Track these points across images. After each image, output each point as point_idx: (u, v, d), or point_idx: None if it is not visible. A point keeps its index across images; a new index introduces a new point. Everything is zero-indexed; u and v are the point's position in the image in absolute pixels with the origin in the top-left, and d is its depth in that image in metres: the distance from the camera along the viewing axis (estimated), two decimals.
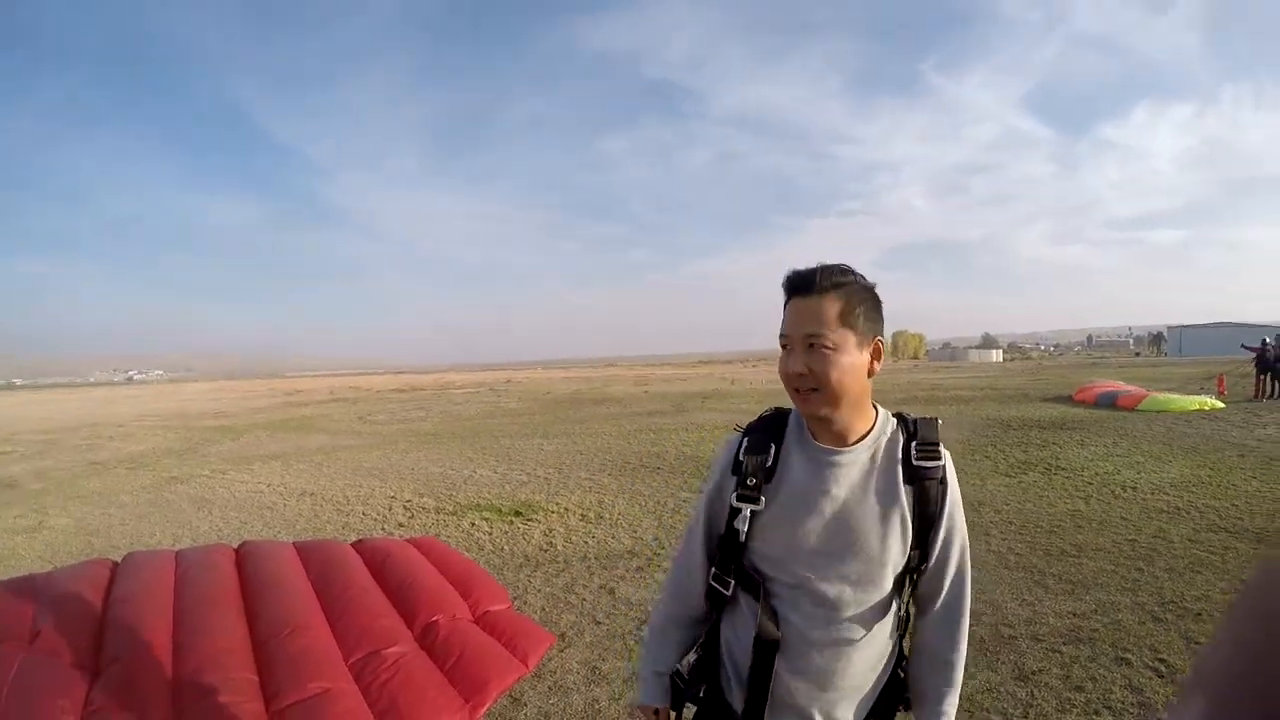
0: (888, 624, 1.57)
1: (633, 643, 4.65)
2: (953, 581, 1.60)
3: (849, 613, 1.51)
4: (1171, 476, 9.45)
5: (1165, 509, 7.70)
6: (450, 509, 9.18)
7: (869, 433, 1.55)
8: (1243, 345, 24.02)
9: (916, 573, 1.58)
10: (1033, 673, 4.10)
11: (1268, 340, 21.02)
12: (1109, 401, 19.25)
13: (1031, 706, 3.76)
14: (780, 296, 1.58)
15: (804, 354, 1.46)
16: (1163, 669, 4.09)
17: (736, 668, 1.60)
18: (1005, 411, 19.04)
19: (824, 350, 1.45)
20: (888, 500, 1.51)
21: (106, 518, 9.62)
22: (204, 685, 3.05)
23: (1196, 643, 4.39)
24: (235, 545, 4.76)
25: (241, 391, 62.78)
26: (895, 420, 1.61)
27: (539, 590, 5.77)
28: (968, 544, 1.62)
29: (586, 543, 7.22)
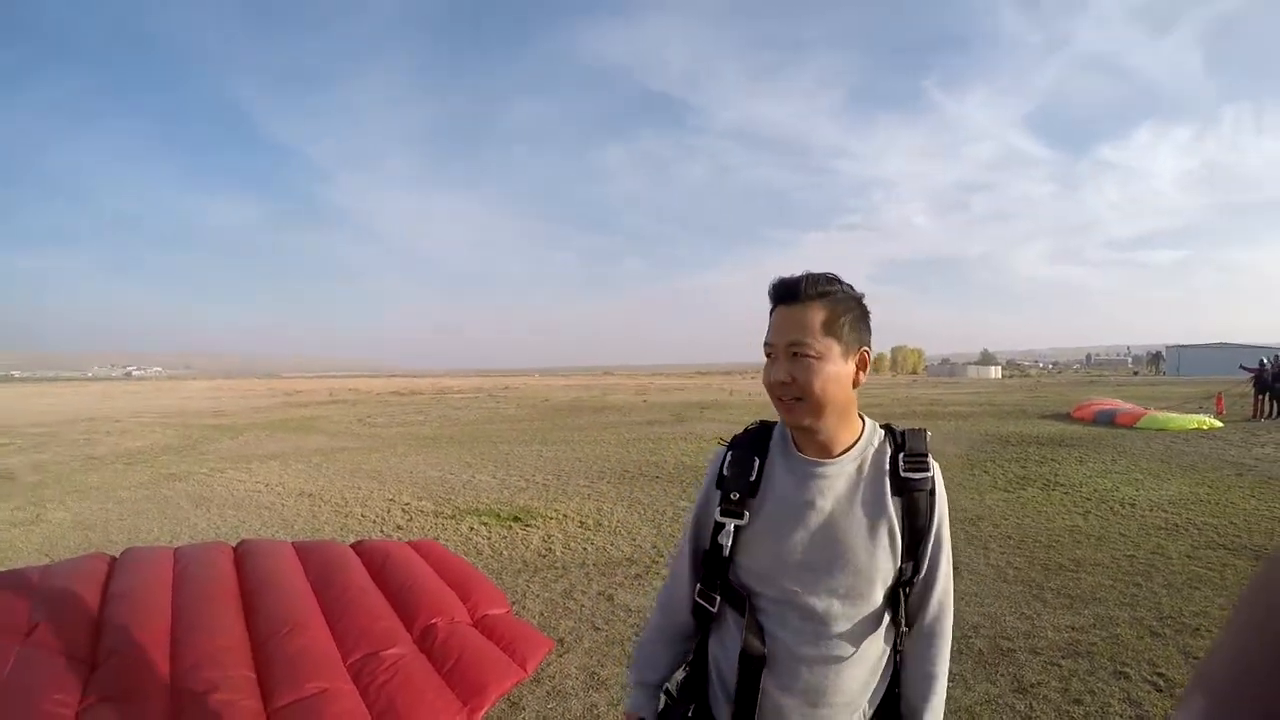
0: (879, 639, 1.53)
1: (631, 649, 4.64)
2: (939, 595, 1.57)
3: (838, 627, 1.47)
4: (1170, 494, 9.46)
5: (1164, 526, 7.70)
6: (449, 513, 9.16)
7: (855, 444, 1.52)
8: (1241, 366, 24.06)
9: (909, 585, 1.53)
10: (1031, 685, 4.10)
11: (1265, 361, 21.07)
12: (1107, 419, 19.28)
13: (1030, 719, 3.76)
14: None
15: (788, 363, 1.44)
16: (1161, 683, 4.09)
17: (725, 684, 1.56)
18: (1004, 427, 19.05)
19: (808, 359, 1.42)
20: (875, 512, 1.48)
21: (104, 513, 9.59)
22: (202, 682, 3.05)
23: (1195, 657, 4.39)
24: (234, 543, 4.76)
25: (240, 391, 62.76)
26: (882, 431, 1.58)
27: (538, 595, 5.76)
28: (951, 557, 1.60)
29: (585, 549, 7.22)
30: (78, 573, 3.94)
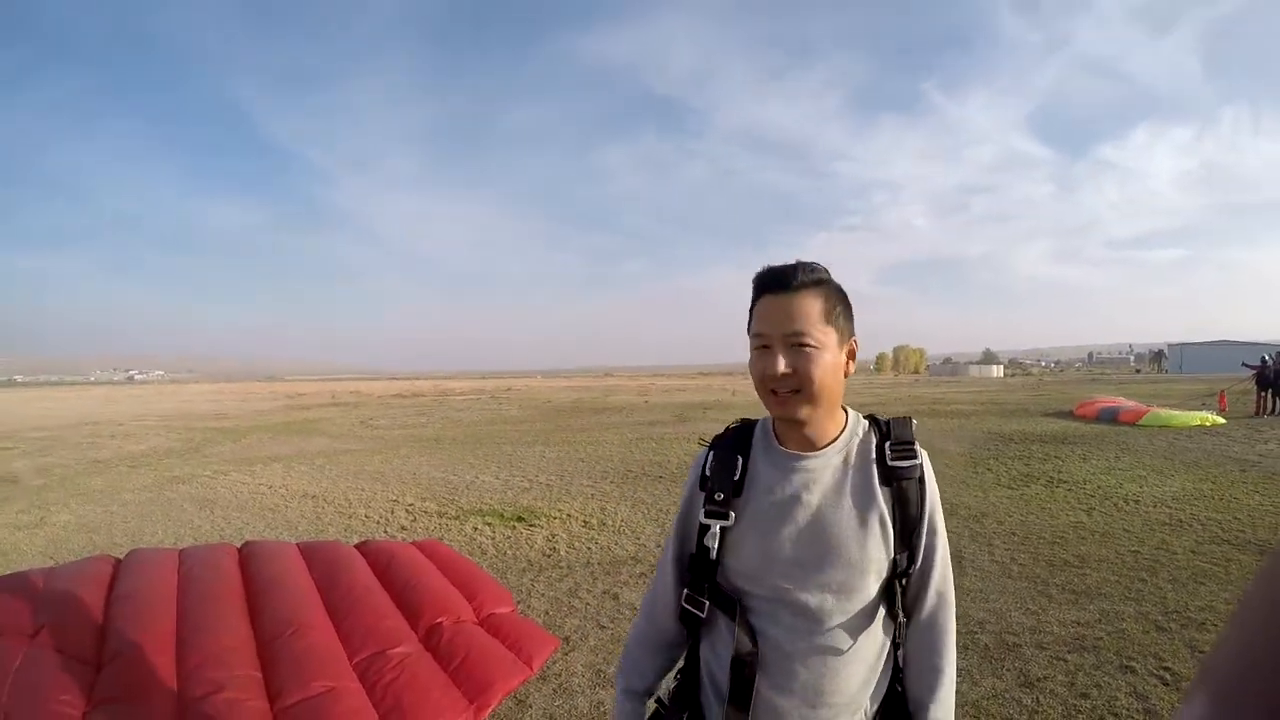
0: (876, 634, 1.47)
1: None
2: (937, 584, 1.51)
3: (832, 623, 1.42)
4: (1174, 490, 9.46)
5: (1168, 521, 7.70)
6: (453, 513, 9.17)
7: (840, 435, 1.49)
8: (1243, 363, 24.05)
9: (905, 576, 1.48)
10: (1038, 680, 4.09)
11: (1267, 357, 21.05)
12: (1110, 417, 19.26)
13: (1037, 713, 3.75)
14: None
15: (787, 353, 1.39)
16: (1167, 677, 4.09)
17: (718, 689, 1.50)
18: (1007, 426, 19.04)
19: (808, 349, 1.38)
20: (864, 503, 1.43)
21: (108, 515, 9.61)
22: (207, 682, 3.05)
23: (1200, 652, 4.39)
24: (238, 545, 4.76)
25: (243, 394, 62.86)
26: (867, 422, 1.54)
27: (542, 594, 5.77)
28: (948, 546, 1.55)
29: (589, 548, 7.23)
30: (83, 575, 3.95)
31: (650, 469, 12.34)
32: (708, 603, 1.51)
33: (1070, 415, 21.64)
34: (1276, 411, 19.94)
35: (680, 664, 1.66)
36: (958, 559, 6.37)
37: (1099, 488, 9.77)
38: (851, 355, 1.48)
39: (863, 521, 1.42)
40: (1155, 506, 8.48)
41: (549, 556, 6.95)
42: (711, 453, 1.55)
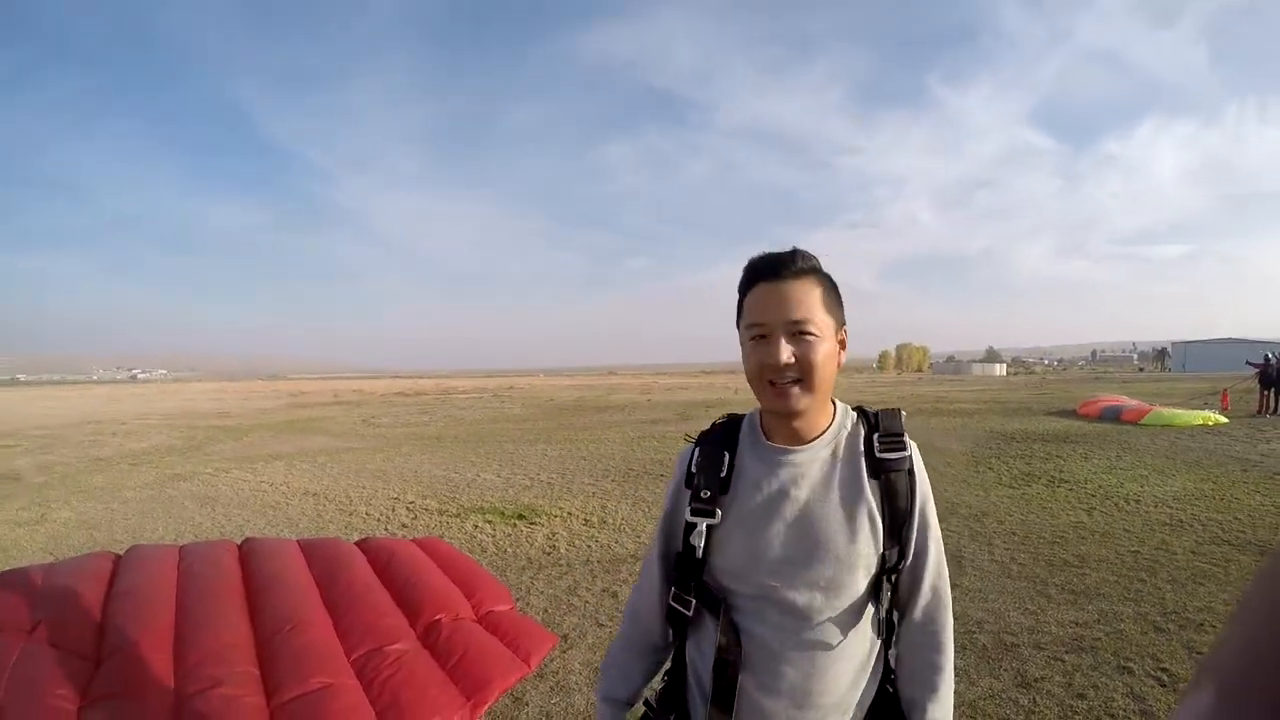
0: (865, 632, 1.44)
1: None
2: (932, 579, 1.47)
3: (821, 622, 1.39)
4: (1175, 490, 9.45)
5: (1168, 521, 7.70)
6: (453, 511, 9.20)
7: (828, 428, 1.46)
8: (1247, 361, 24.02)
9: (895, 572, 1.45)
10: (1035, 680, 4.10)
11: (1271, 356, 21.01)
12: (1113, 416, 19.25)
13: (1034, 713, 3.76)
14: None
15: (789, 342, 1.36)
16: (1165, 678, 4.09)
17: (704, 690, 1.46)
18: (1009, 424, 19.04)
19: (810, 338, 1.36)
20: (853, 497, 1.40)
21: (109, 512, 9.64)
22: (205, 678, 3.05)
23: (1199, 652, 4.39)
24: (239, 542, 4.77)
25: (244, 392, 62.93)
26: (855, 414, 1.51)
27: (542, 592, 5.78)
28: (942, 540, 1.51)
29: (590, 546, 7.24)
30: (82, 571, 3.95)
31: (652, 467, 12.28)
32: (694, 601, 1.48)
33: (1073, 414, 21.63)
34: (1279, 411, 19.90)
35: (667, 665, 1.62)
36: (957, 558, 6.37)
37: (1100, 487, 9.77)
38: (842, 345, 1.46)
39: (851, 516, 1.39)
40: (1156, 506, 8.48)
41: (549, 554, 6.97)
42: (697, 449, 1.52)
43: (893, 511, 1.41)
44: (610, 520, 8.37)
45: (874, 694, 1.48)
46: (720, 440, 1.51)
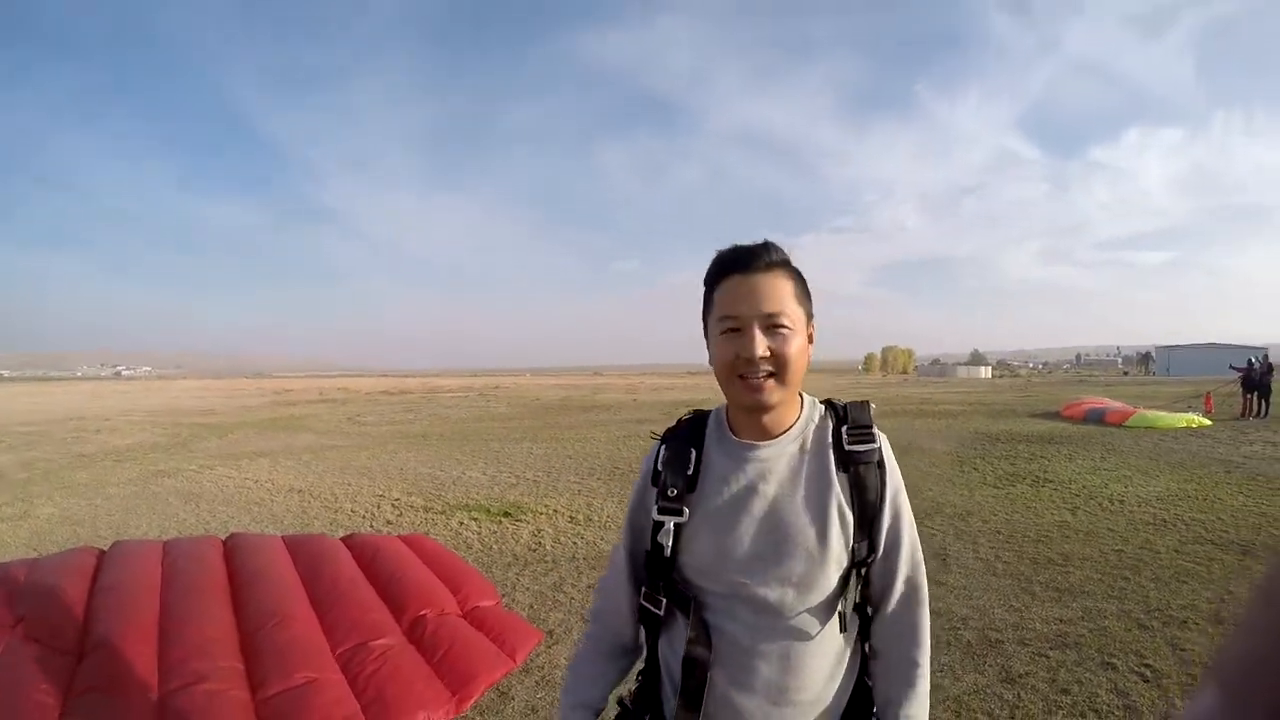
0: (839, 626, 1.41)
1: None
2: (907, 572, 1.44)
3: (794, 618, 1.36)
4: (1158, 490, 9.50)
5: (1152, 521, 7.74)
6: (439, 508, 9.18)
7: (795, 422, 1.43)
8: (1230, 365, 24.22)
9: (865, 566, 1.42)
10: (1019, 675, 4.11)
11: (1254, 360, 21.20)
12: (1097, 418, 19.33)
13: (1018, 708, 3.77)
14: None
15: (764, 335, 1.33)
16: (1148, 674, 4.11)
17: (677, 689, 1.42)
18: (994, 426, 19.11)
19: (784, 331, 1.33)
20: (821, 491, 1.38)
21: (93, 508, 9.59)
22: (190, 673, 3.04)
23: (1182, 650, 4.42)
24: (223, 537, 4.75)
25: (230, 390, 62.65)
26: (823, 407, 1.48)
27: (527, 589, 5.77)
28: (916, 532, 1.48)
29: (575, 544, 7.24)
30: (65, 566, 3.94)
31: (637, 466, 12.17)
32: (665, 600, 1.45)
33: (1057, 416, 21.70)
34: (1262, 414, 20.06)
35: (640, 666, 1.58)
36: (942, 556, 6.40)
37: (1084, 487, 9.82)
38: (811, 339, 1.43)
39: (821, 510, 1.37)
40: (1140, 506, 8.52)
41: (534, 551, 6.97)
42: (663, 446, 1.50)
43: (862, 505, 1.39)
44: (596, 518, 8.37)
45: (851, 688, 1.46)
46: (687, 437, 1.48)
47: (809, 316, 1.41)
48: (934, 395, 38.52)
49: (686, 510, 1.40)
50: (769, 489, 1.38)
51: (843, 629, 1.41)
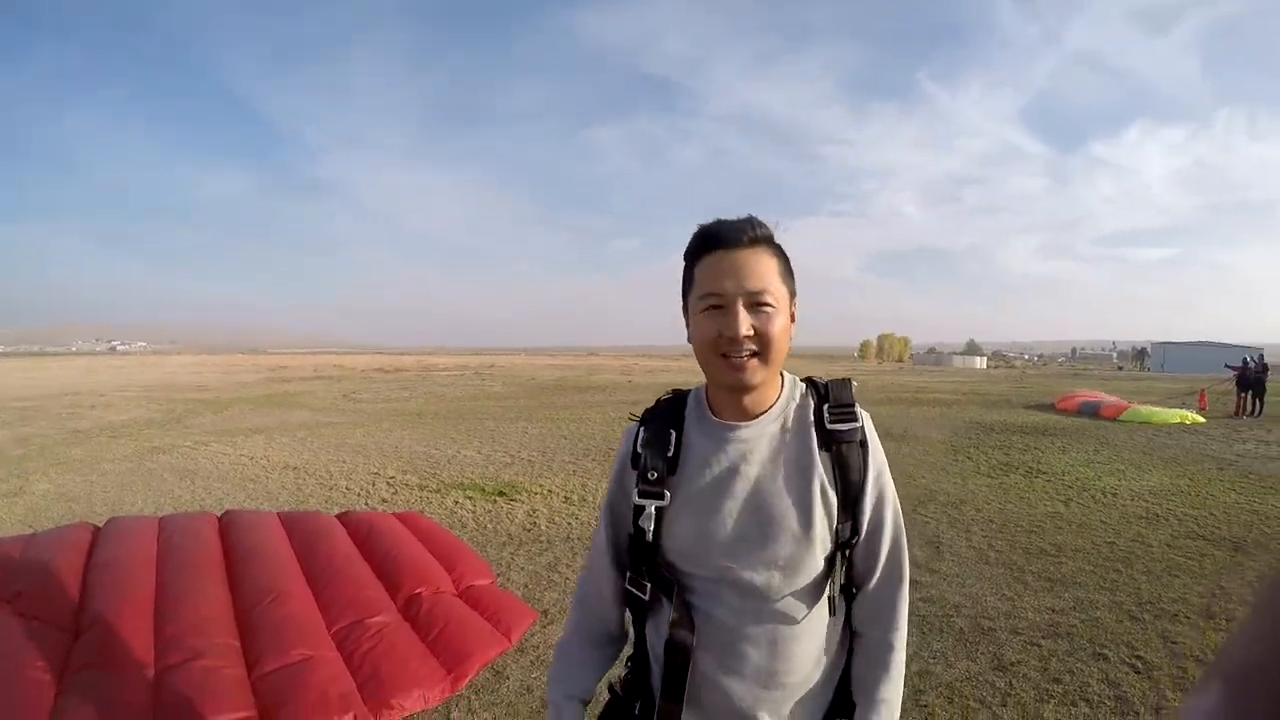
0: (827, 608, 1.38)
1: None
2: (889, 553, 1.41)
3: (780, 601, 1.33)
4: (1151, 485, 9.54)
5: (1144, 515, 7.77)
6: (434, 487, 9.19)
7: (776, 402, 1.40)
8: (1226, 364, 24.28)
9: (849, 548, 1.39)
10: (1011, 664, 4.14)
11: (1249, 359, 21.26)
12: (1091, 411, 19.41)
13: (1010, 695, 3.79)
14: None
15: (748, 313, 1.29)
16: (1139, 665, 4.14)
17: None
18: (988, 416, 19.16)
19: (768, 309, 1.29)
20: (804, 471, 1.34)
21: (88, 485, 9.56)
22: (185, 650, 3.05)
23: (1174, 642, 4.44)
24: (219, 514, 4.75)
25: (225, 366, 62.54)
26: (804, 385, 1.45)
27: (522, 568, 5.78)
28: (900, 511, 1.45)
29: (570, 524, 7.26)
30: (61, 542, 3.94)
31: None
32: (649, 585, 1.42)
33: (1051, 408, 21.75)
34: (1256, 413, 20.12)
35: (629, 651, 1.55)
36: (935, 544, 6.43)
37: (1077, 479, 9.85)
38: (793, 318, 1.38)
39: (804, 491, 1.34)
40: (1132, 500, 8.56)
41: (529, 531, 6.98)
42: (642, 428, 1.46)
43: (845, 484, 1.36)
44: (590, 498, 8.37)
45: (840, 669, 1.45)
46: (666, 418, 1.45)
47: (792, 295, 1.37)
48: (929, 384, 38.57)
49: (668, 493, 1.37)
50: (751, 471, 1.35)
51: (832, 612, 1.39)
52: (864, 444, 1.38)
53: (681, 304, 1.43)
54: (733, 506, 1.34)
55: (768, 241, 1.34)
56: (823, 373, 1.44)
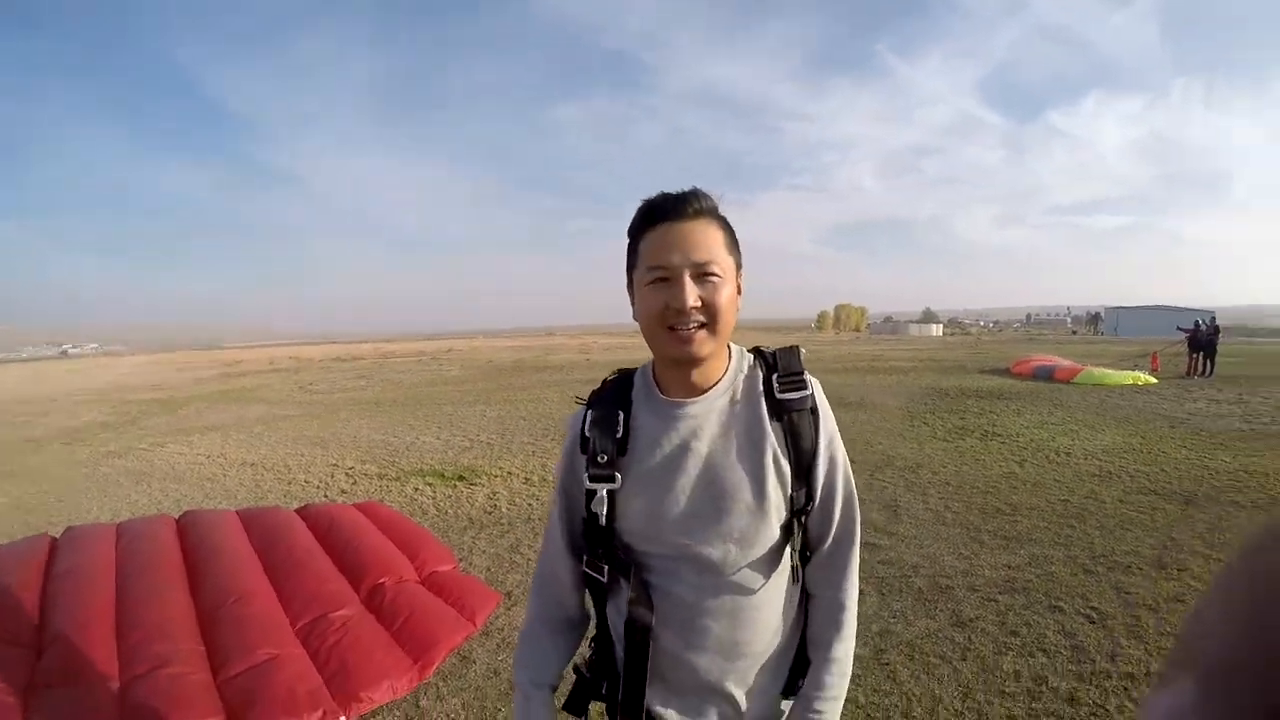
0: (785, 576, 1.40)
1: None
2: (841, 516, 1.42)
3: (738, 574, 1.34)
4: (1104, 444, 9.75)
5: (1097, 473, 7.98)
6: (393, 475, 9.18)
7: (724, 375, 1.40)
8: (1178, 326, 24.76)
9: (804, 514, 1.40)
10: (970, 620, 4.25)
11: (1200, 322, 21.71)
12: (1045, 374, 19.71)
13: (970, 650, 3.90)
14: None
15: (694, 285, 1.28)
16: (1094, 616, 4.27)
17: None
18: (944, 381, 19.42)
19: (714, 280, 1.29)
20: (755, 442, 1.35)
21: (42, 494, 9.38)
22: (151, 657, 3.01)
23: (1127, 593, 4.58)
24: (177, 516, 4.70)
25: (179, 364, 61.47)
26: (751, 356, 1.45)
27: (484, 551, 5.81)
28: (851, 474, 1.45)
29: (530, 504, 7.31)
30: (19, 555, 3.87)
31: None
32: (607, 567, 1.42)
33: (1006, 373, 22.07)
34: (1207, 373, 20.55)
35: (593, 633, 1.57)
36: (893, 508, 6.55)
37: (1031, 440, 10.07)
38: (740, 289, 1.38)
39: (757, 463, 1.34)
40: (1085, 459, 8.76)
41: (490, 514, 7.01)
42: (589, 411, 1.44)
43: (798, 453, 1.36)
44: (550, 478, 8.33)
45: (800, 632, 1.47)
46: (613, 399, 1.44)
47: (738, 266, 1.37)
48: (886, 353, 38.88)
49: (619, 476, 1.37)
50: (702, 446, 1.35)
51: (794, 580, 1.42)
52: (814, 411, 1.39)
53: (626, 280, 1.41)
54: (685, 483, 1.34)
55: (712, 213, 1.33)
56: (777, 344, 1.46)
